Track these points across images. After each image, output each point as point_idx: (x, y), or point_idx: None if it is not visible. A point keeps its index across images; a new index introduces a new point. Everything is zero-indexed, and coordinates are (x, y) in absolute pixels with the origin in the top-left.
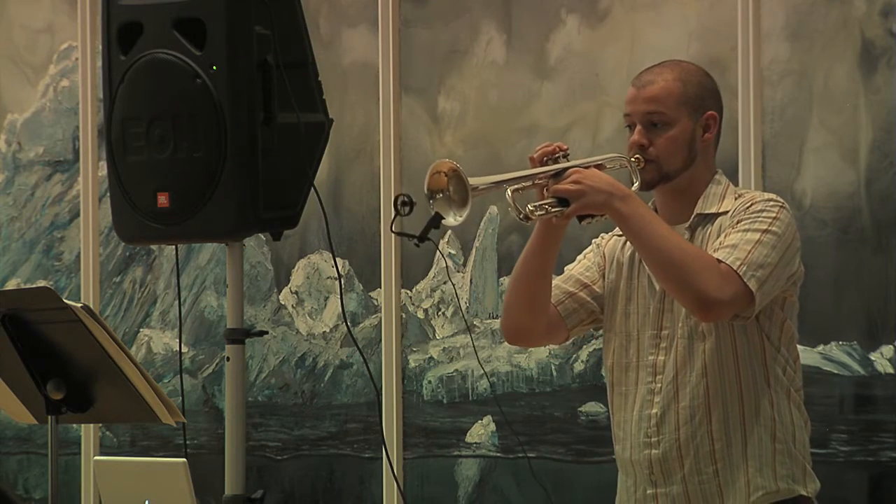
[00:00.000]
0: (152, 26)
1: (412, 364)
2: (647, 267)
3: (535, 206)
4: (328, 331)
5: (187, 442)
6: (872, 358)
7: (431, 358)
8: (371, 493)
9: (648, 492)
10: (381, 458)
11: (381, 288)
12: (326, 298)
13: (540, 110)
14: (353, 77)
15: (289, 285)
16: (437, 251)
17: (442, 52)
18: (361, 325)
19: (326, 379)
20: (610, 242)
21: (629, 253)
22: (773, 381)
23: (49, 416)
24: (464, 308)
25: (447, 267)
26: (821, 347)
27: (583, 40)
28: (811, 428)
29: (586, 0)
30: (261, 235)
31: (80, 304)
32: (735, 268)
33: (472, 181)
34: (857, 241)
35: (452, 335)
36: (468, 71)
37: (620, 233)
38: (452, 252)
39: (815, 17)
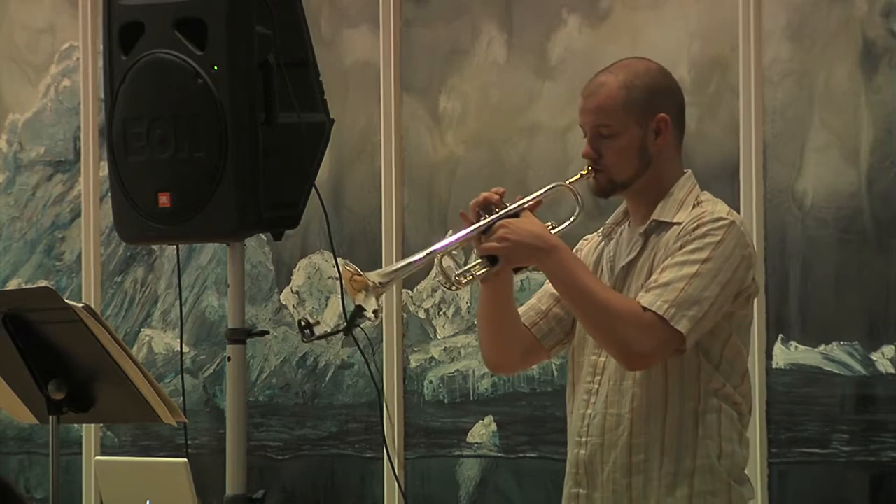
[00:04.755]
0: (153, 26)
1: (413, 364)
2: (576, 318)
3: (460, 273)
4: (329, 331)
5: (188, 442)
6: (874, 358)
7: (432, 358)
8: (372, 494)
9: (572, 491)
10: (383, 458)
11: None
12: (327, 298)
13: (541, 110)
14: (354, 77)
15: (290, 285)
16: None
17: (443, 52)
18: (362, 325)
19: (327, 379)
20: (588, 245)
21: (594, 257)
22: (704, 399)
23: (50, 416)
24: (464, 308)
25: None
26: (822, 347)
27: (584, 40)
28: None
29: (587, 0)
30: (262, 235)
31: (81, 304)
32: (661, 313)
33: (375, 277)
34: (859, 241)
35: (453, 335)
36: (469, 71)
37: (590, 235)
38: (454, 252)
39: (817, 17)
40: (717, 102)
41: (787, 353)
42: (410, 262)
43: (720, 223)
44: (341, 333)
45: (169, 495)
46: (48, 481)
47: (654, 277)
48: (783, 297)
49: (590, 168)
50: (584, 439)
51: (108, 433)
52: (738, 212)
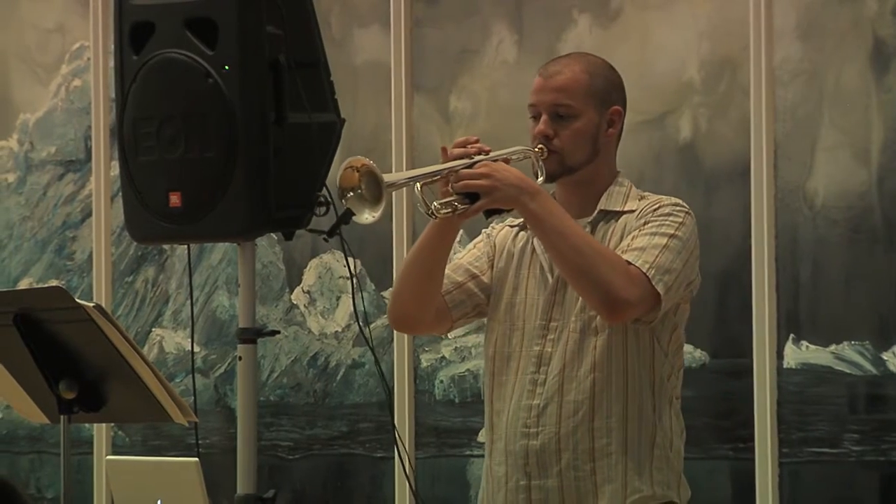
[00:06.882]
0: (164, 26)
1: (424, 364)
2: (555, 265)
3: (441, 203)
4: (340, 330)
5: (199, 441)
6: (884, 357)
7: (443, 357)
8: (383, 493)
9: (521, 483)
10: (393, 458)
11: (392, 287)
12: (338, 298)
13: None
14: (365, 77)
15: (301, 285)
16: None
17: (453, 52)
18: (373, 324)
19: (338, 378)
20: (502, 232)
21: (521, 244)
22: (658, 385)
23: (61, 416)
24: None
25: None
26: (833, 347)
27: (594, 40)
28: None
29: (597, 0)
30: (272, 235)
31: (92, 304)
32: (644, 270)
33: (386, 178)
34: (869, 240)
35: (464, 335)
36: (480, 70)
37: (513, 223)
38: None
39: (827, 16)
40: (728, 102)
41: (797, 353)
42: (415, 176)
43: (680, 208)
44: (324, 235)
45: (180, 495)
46: (59, 481)
47: (625, 242)
48: (794, 296)
49: (542, 147)
50: (533, 429)
51: (119, 433)
52: (750, 211)
